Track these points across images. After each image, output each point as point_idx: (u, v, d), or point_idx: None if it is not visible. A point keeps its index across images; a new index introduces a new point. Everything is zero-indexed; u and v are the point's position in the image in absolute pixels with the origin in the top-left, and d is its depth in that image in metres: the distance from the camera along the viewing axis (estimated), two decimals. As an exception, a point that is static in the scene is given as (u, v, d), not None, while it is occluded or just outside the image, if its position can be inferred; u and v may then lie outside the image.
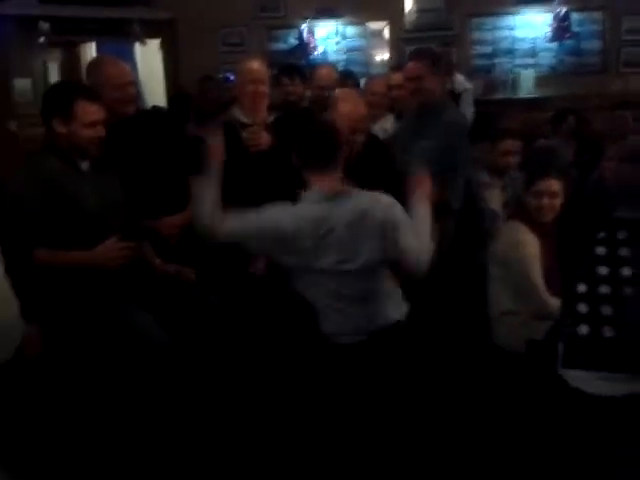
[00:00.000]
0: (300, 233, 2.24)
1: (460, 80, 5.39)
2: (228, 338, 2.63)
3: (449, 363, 2.86)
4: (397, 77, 3.68)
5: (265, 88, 3.16)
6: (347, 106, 2.84)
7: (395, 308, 2.41)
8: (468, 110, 5.06)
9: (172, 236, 2.92)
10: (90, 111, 2.38)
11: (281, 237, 2.25)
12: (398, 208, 2.35)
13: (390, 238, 2.29)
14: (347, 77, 4.64)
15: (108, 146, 2.56)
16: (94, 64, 3.09)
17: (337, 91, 3.16)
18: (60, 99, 2.40)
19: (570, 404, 2.02)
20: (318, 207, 2.28)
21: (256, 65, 3.19)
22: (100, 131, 2.42)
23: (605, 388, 2.10)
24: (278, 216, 2.28)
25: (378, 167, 2.83)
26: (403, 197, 3.07)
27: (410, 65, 3.25)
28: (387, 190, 2.78)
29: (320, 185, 2.31)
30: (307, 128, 2.45)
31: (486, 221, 3.39)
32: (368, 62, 6.77)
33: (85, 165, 2.46)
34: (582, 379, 2.11)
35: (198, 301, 2.69)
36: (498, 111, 4.63)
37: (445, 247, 3.14)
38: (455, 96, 5.06)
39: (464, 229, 3.33)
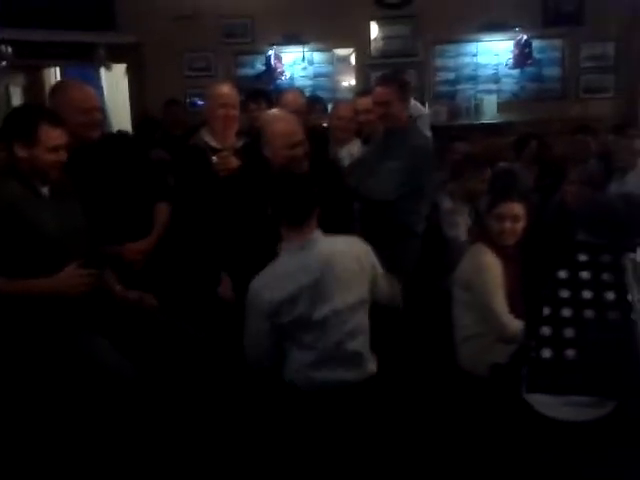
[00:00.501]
0: (292, 290, 2.30)
1: (416, 105, 5.45)
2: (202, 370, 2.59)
3: (415, 388, 2.85)
4: (364, 102, 3.71)
5: (235, 112, 3.17)
6: (281, 125, 2.94)
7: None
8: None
9: (136, 262, 2.88)
10: (53, 136, 2.35)
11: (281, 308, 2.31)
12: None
13: (375, 282, 2.46)
14: (315, 102, 4.67)
15: (71, 171, 2.53)
16: (58, 87, 3.06)
17: (264, 115, 3.24)
18: (23, 123, 2.36)
19: (534, 429, 2.03)
20: (298, 258, 2.35)
21: (227, 89, 3.21)
22: (62, 156, 2.39)
23: (570, 414, 2.11)
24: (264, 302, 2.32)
25: (325, 186, 2.83)
26: (352, 214, 3.11)
27: (378, 90, 3.29)
28: (336, 208, 2.81)
29: (296, 238, 2.38)
30: (283, 182, 2.47)
31: (450, 247, 3.44)
32: (335, 87, 6.83)
33: (45, 190, 2.42)
34: (547, 404, 2.13)
35: (161, 328, 2.65)
36: (461, 136, 4.70)
37: (409, 270, 3.16)
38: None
39: (429, 253, 3.36)
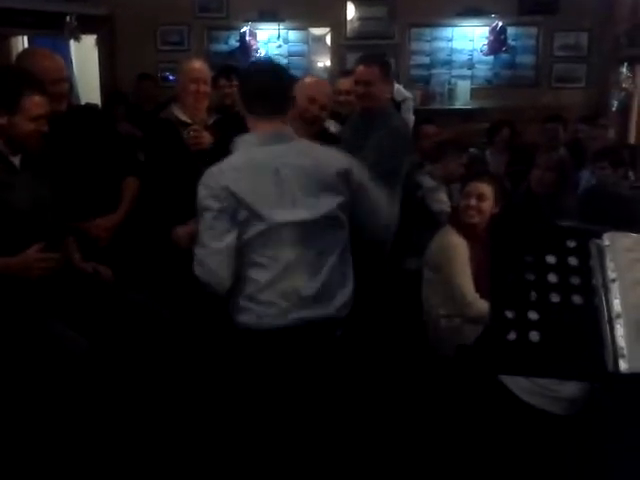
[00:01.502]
0: (251, 190, 2.01)
1: (400, 89, 5.48)
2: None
3: (384, 366, 2.88)
4: (346, 83, 3.70)
5: (207, 88, 3.14)
6: (311, 80, 3.07)
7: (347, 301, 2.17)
8: (409, 118, 5.15)
9: (102, 238, 2.83)
10: (37, 104, 2.27)
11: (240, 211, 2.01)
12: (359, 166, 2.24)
13: (358, 194, 2.17)
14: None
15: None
16: (25, 55, 2.97)
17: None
18: (5, 88, 2.27)
19: (507, 411, 2.06)
20: (258, 150, 2.08)
21: (198, 64, 3.18)
22: (42, 125, 2.31)
23: (544, 403, 2.16)
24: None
25: None
26: None
27: (361, 69, 3.27)
28: None
29: (262, 129, 2.10)
30: (256, 67, 2.30)
31: (438, 220, 3.49)
32: (309, 67, 6.77)
33: (16, 160, 2.35)
34: (523, 389, 2.17)
35: (116, 301, 2.57)
36: (430, 119, 4.72)
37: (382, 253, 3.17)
38: (396, 105, 5.14)
39: (414, 230, 3.38)
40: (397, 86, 5.56)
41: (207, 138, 3.02)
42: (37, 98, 2.27)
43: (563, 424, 2.15)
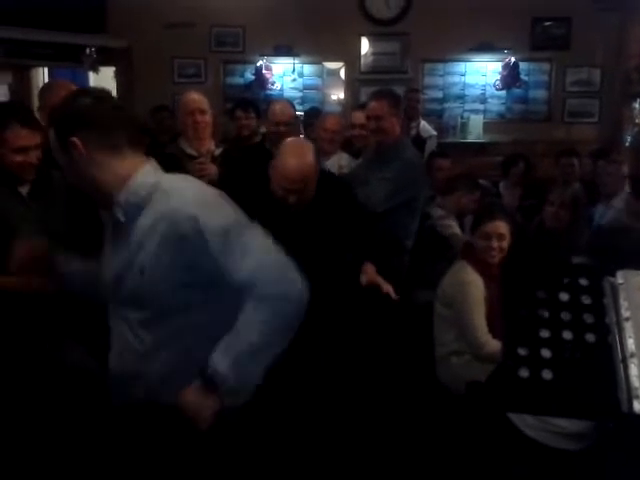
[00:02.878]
0: None
1: (426, 126, 5.59)
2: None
3: (394, 400, 2.85)
4: (360, 116, 3.75)
5: (205, 118, 3.18)
6: (291, 162, 2.54)
7: None
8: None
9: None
10: (20, 136, 2.27)
11: None
12: None
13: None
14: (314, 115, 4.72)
15: (53, 168, 2.48)
16: (47, 87, 3.05)
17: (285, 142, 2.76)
18: None
19: (514, 448, 2.03)
20: None
21: (194, 96, 3.23)
22: (32, 157, 2.32)
23: (551, 440, 2.13)
24: None
25: (337, 205, 2.75)
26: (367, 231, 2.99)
27: (372, 104, 3.32)
28: (352, 227, 2.73)
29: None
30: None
31: (451, 244, 3.49)
32: (324, 100, 6.85)
33: (24, 190, 2.38)
34: (530, 426, 2.14)
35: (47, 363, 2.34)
36: (444, 153, 4.75)
37: (397, 285, 3.16)
38: (422, 141, 5.23)
39: (424, 263, 3.38)
40: (423, 122, 5.65)
41: (212, 169, 3.05)
42: (22, 130, 2.28)
43: (569, 460, 2.11)
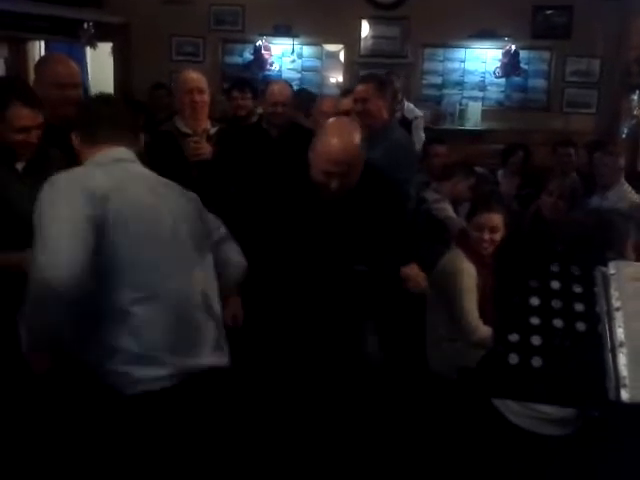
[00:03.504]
0: None
1: (411, 107, 5.50)
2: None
3: (384, 386, 2.87)
4: (346, 102, 3.70)
5: (203, 97, 3.15)
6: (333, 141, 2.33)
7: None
8: (420, 136, 5.17)
9: None
10: (22, 115, 2.26)
11: None
12: None
13: None
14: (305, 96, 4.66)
15: (52, 146, 2.47)
16: (44, 60, 3.02)
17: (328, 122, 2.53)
18: None
19: (501, 435, 2.05)
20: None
21: (193, 75, 3.21)
22: (33, 137, 2.31)
23: (535, 426, 2.14)
24: None
25: (380, 198, 2.53)
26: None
27: (358, 87, 3.33)
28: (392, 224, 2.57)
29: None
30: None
31: (447, 226, 3.49)
32: (322, 83, 6.82)
33: (19, 166, 2.37)
34: (514, 412, 2.15)
35: None
36: (440, 139, 4.72)
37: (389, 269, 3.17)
38: (407, 123, 5.17)
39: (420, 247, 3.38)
40: (407, 104, 5.59)
41: (207, 148, 3.03)
42: (23, 110, 2.26)
43: (553, 446, 2.13)
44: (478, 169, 4.79)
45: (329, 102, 3.91)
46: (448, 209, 3.67)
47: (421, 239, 3.42)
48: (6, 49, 6.43)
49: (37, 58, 6.88)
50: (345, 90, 4.31)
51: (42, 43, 6.83)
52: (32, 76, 3.15)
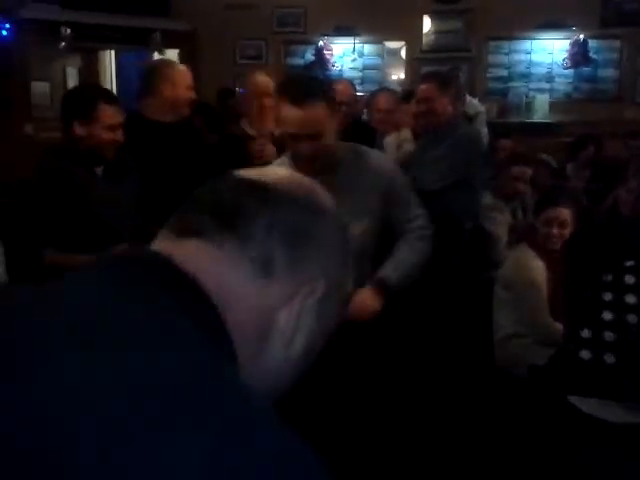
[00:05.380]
0: None
1: (473, 103, 5.41)
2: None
3: (450, 383, 2.85)
4: (384, 100, 3.73)
5: (270, 101, 3.20)
6: None
7: None
8: (482, 132, 5.08)
9: None
10: (110, 114, 2.39)
11: None
12: None
13: None
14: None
15: (134, 149, 2.59)
16: (167, 65, 3.21)
17: None
18: (82, 101, 2.41)
19: (579, 430, 2.00)
20: None
21: (261, 79, 3.27)
22: (119, 135, 2.43)
23: (621, 416, 2.08)
24: None
25: None
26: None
27: (421, 87, 3.29)
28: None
29: None
30: None
31: (489, 241, 3.42)
32: (384, 80, 6.80)
33: (99, 170, 2.48)
34: (594, 406, 2.10)
35: None
36: (507, 133, 4.63)
37: (455, 266, 3.14)
38: (468, 119, 5.08)
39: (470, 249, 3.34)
40: (469, 99, 5.48)
41: (271, 151, 3.08)
42: (112, 109, 2.40)
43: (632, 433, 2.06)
44: (544, 156, 4.67)
45: (383, 99, 3.90)
46: (497, 223, 3.53)
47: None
48: (79, 59, 6.73)
49: (108, 67, 7.17)
50: (407, 92, 4.28)
51: (112, 52, 7.11)
52: (104, 84, 3.31)
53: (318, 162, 1.94)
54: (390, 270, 2.01)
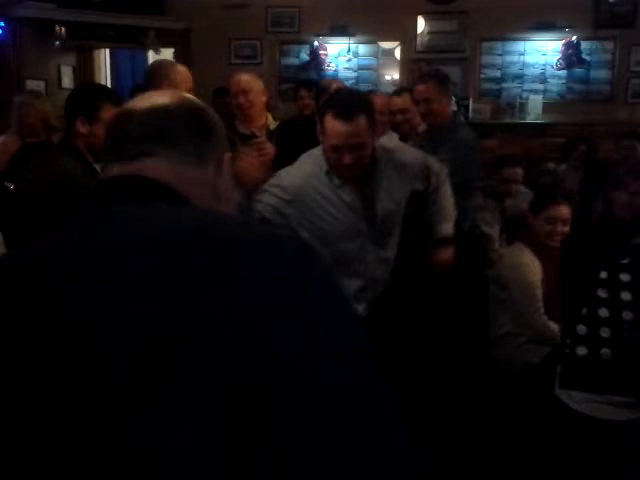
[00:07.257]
0: None
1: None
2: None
3: (445, 381, 2.87)
4: (398, 101, 3.65)
5: (250, 97, 3.25)
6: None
7: None
8: None
9: None
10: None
11: None
12: None
13: None
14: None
15: None
16: (168, 65, 3.21)
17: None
18: (87, 100, 2.43)
19: (566, 425, 2.03)
20: None
21: (237, 77, 3.31)
22: None
23: (604, 412, 2.11)
24: None
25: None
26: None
27: (418, 88, 3.28)
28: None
29: None
30: None
31: (482, 242, 3.43)
32: (378, 81, 6.82)
33: (98, 167, 2.49)
34: (580, 401, 2.13)
35: None
36: (491, 133, 4.60)
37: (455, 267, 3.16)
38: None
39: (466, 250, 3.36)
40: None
41: (270, 149, 3.09)
42: (114, 109, 2.40)
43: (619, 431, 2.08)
44: (549, 164, 4.67)
45: (380, 100, 3.91)
46: (488, 223, 3.54)
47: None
48: (74, 58, 6.71)
49: (103, 66, 7.17)
50: (399, 88, 4.28)
51: (107, 51, 7.10)
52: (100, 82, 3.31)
53: (359, 169, 2.14)
54: (444, 224, 2.50)
